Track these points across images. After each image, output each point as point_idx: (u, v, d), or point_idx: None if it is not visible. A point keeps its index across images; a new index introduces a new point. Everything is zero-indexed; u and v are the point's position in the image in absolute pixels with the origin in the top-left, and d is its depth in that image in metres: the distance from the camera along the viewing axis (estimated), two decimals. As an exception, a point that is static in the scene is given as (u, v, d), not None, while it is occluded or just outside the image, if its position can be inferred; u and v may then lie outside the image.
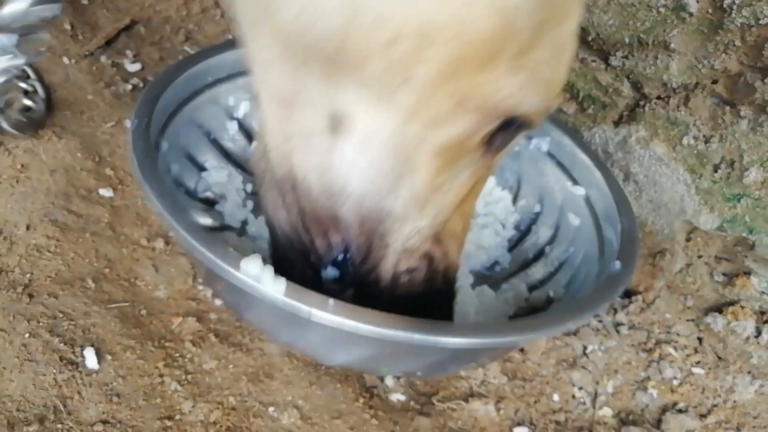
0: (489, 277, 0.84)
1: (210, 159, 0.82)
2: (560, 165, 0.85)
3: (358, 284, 0.56)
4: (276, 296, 0.52)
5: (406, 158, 0.48)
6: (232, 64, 0.81)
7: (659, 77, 0.83)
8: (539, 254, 0.86)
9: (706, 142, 0.82)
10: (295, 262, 0.56)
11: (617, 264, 0.70)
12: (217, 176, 0.80)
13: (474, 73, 0.44)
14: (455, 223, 0.56)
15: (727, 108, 0.80)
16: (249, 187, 0.82)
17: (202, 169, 0.81)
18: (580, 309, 0.64)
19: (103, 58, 1.02)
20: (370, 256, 0.54)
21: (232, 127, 0.84)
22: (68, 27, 1.03)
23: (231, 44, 0.80)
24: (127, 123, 0.92)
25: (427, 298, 0.57)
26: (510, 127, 0.50)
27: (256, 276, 0.53)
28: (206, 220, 0.76)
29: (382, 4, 0.41)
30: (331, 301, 0.52)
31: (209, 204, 0.79)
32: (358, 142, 0.48)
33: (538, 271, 0.84)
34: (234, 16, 0.49)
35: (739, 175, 0.80)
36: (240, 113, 0.85)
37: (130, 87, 0.99)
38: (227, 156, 0.84)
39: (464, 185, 0.53)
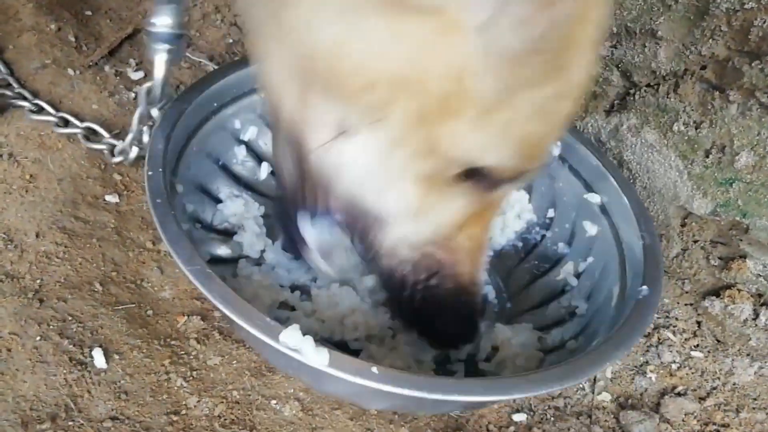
0: (507, 283, 0.83)
1: (223, 188, 0.80)
2: (573, 170, 0.83)
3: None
4: (321, 367, 0.53)
5: (393, 176, 0.56)
6: (235, 86, 0.80)
7: (648, 65, 0.84)
8: (556, 263, 0.84)
9: (696, 128, 0.83)
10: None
11: (645, 289, 0.67)
12: (233, 207, 0.79)
13: (438, 124, 0.51)
14: (463, 241, 0.62)
15: (716, 93, 0.81)
16: (261, 210, 0.81)
17: (217, 200, 0.80)
18: (616, 347, 0.63)
19: (107, 68, 1.05)
20: (367, 237, 0.62)
21: (241, 151, 0.83)
22: (72, 39, 1.05)
23: (231, 67, 0.81)
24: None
25: (450, 303, 0.63)
26: (477, 175, 0.55)
27: (297, 347, 0.54)
28: (225, 251, 0.76)
29: (359, 54, 0.47)
30: (375, 368, 0.54)
31: (228, 235, 0.78)
32: (355, 150, 0.55)
33: (557, 280, 0.82)
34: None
35: (731, 159, 0.80)
36: (247, 136, 0.84)
37: (133, 95, 1.01)
38: (238, 181, 0.83)
39: (461, 210, 0.60)
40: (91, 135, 0.87)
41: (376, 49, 0.47)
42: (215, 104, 0.80)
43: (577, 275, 0.81)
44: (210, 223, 0.78)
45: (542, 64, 0.47)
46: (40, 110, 0.89)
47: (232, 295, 0.57)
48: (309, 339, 0.54)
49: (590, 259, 0.80)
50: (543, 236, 0.85)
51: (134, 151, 0.82)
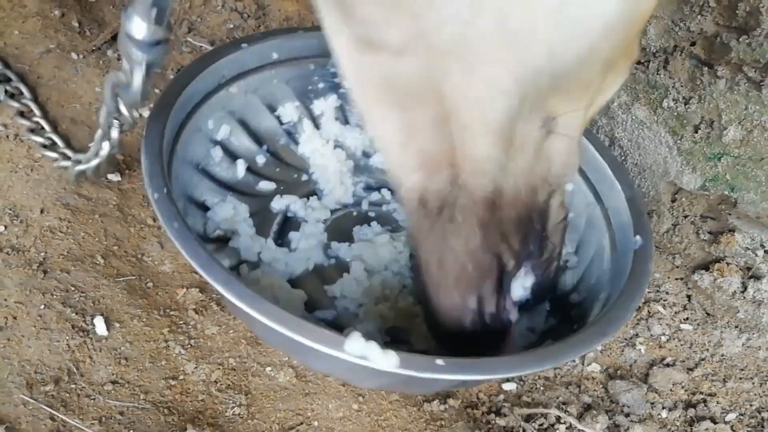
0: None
1: (207, 194, 0.79)
2: None
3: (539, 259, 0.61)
4: (392, 369, 0.54)
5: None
6: (203, 84, 0.78)
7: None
8: None
9: (685, 104, 0.84)
10: (484, 289, 0.60)
11: (638, 239, 0.71)
12: (223, 212, 0.77)
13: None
14: None
15: (705, 69, 0.82)
16: (248, 211, 0.80)
17: (203, 207, 0.78)
18: (632, 294, 0.66)
19: (109, 52, 1.07)
20: (548, 223, 0.61)
21: (217, 152, 0.81)
22: (76, 24, 1.08)
23: (197, 66, 0.78)
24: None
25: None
26: None
27: (363, 354, 0.54)
28: (224, 261, 0.73)
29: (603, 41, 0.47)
30: (439, 360, 0.54)
31: (222, 242, 0.77)
32: (561, 134, 0.55)
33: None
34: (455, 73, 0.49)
35: (719, 134, 0.82)
36: (220, 135, 0.82)
37: (135, 78, 1.04)
38: (220, 184, 0.81)
39: None
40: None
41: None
42: (190, 106, 0.77)
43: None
44: (204, 233, 0.76)
45: None
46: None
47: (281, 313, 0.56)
48: (373, 344, 0.54)
49: (571, 215, 0.80)
50: None
51: (104, 148, 0.76)
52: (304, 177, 0.88)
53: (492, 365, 0.58)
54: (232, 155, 0.85)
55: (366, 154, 0.92)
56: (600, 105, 0.56)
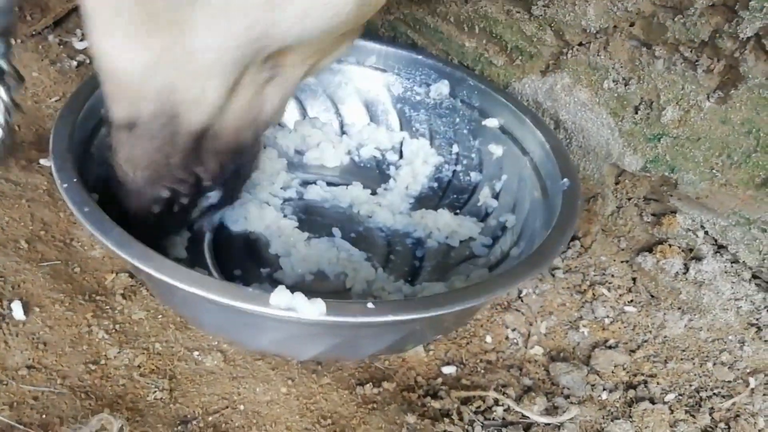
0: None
1: None
2: (465, 102, 0.90)
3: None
4: (319, 318, 0.53)
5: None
6: None
7: (578, 23, 0.84)
8: (474, 190, 0.90)
9: (625, 85, 0.83)
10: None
11: (566, 181, 0.75)
12: None
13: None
14: None
15: (644, 49, 0.81)
16: None
17: None
18: (562, 228, 0.69)
19: (50, 38, 1.05)
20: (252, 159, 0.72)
21: None
22: (17, 8, 1.05)
23: None
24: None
25: None
26: None
27: (289, 305, 0.53)
28: None
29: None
30: (370, 303, 0.54)
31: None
32: (279, 83, 0.64)
33: (478, 206, 0.88)
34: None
35: (658, 115, 0.81)
36: None
37: (75, 63, 1.02)
38: None
39: None
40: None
41: None
42: (103, 110, 0.73)
43: (496, 195, 0.87)
44: None
45: None
46: None
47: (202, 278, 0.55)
48: (300, 295, 0.53)
49: (504, 177, 0.86)
50: (454, 171, 0.92)
51: None
52: None
53: (424, 303, 0.57)
54: None
55: (299, 152, 0.93)
56: (324, 66, 0.67)
